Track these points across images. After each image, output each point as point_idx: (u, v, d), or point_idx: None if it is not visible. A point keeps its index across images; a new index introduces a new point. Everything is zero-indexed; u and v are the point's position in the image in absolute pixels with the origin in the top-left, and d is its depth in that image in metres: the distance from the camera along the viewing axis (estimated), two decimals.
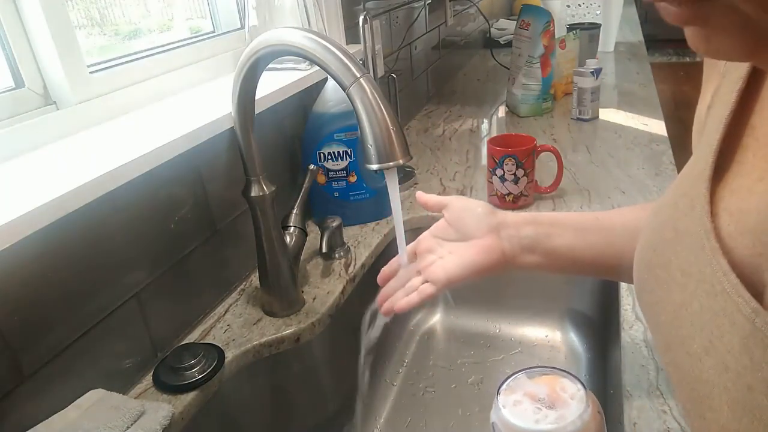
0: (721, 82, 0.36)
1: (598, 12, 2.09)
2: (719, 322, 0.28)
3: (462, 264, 0.59)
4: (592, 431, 0.40)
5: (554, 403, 0.41)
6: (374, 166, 0.57)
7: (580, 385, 0.42)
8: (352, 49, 1.12)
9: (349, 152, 0.97)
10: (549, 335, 1.02)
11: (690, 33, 0.25)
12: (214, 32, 1.02)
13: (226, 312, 0.80)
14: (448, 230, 0.63)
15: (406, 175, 1.17)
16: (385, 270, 0.65)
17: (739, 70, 0.33)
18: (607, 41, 2.10)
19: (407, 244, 0.64)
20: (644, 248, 0.38)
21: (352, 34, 1.16)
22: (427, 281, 0.61)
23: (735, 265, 0.28)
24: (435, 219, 1.03)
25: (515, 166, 0.98)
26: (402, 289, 0.63)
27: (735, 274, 0.27)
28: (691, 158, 0.37)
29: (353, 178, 0.99)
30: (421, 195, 0.66)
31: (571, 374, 0.44)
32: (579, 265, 0.59)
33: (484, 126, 1.52)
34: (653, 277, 0.36)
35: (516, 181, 0.99)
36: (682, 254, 0.32)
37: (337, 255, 0.92)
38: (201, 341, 0.74)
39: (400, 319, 1.07)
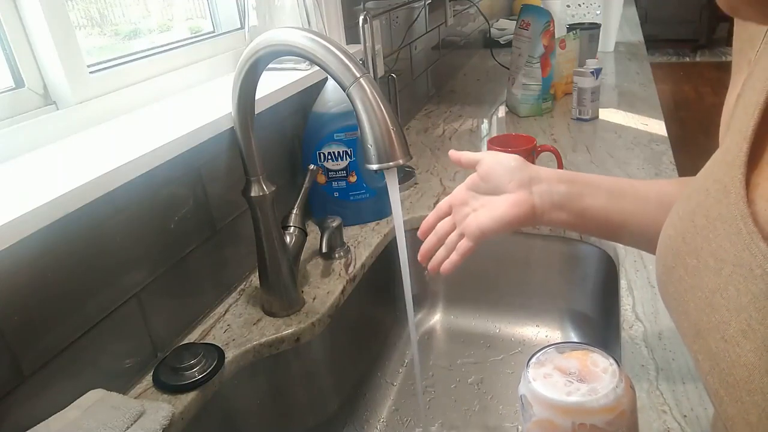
0: (753, 69, 0.36)
1: (598, 12, 2.09)
2: (760, 305, 0.29)
3: (493, 217, 0.60)
4: (624, 405, 0.39)
5: (586, 377, 0.40)
6: (374, 167, 0.57)
7: (612, 360, 0.41)
8: (352, 49, 1.12)
9: (349, 152, 0.97)
10: (549, 335, 1.02)
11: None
12: (214, 32, 1.02)
13: (226, 312, 0.80)
14: (480, 184, 0.64)
15: (406, 175, 1.17)
16: (425, 223, 0.67)
17: None
18: (607, 41, 2.10)
19: (406, 243, 0.64)
20: (671, 236, 0.38)
21: (352, 34, 1.16)
22: (462, 235, 0.63)
23: None
24: None
25: None
26: (443, 246, 0.65)
27: None
28: (720, 147, 0.37)
29: (353, 178, 0.99)
30: (453, 152, 0.68)
31: (601, 351, 0.43)
32: (606, 228, 0.59)
33: (484, 126, 1.52)
34: (682, 265, 0.36)
35: None
36: (715, 240, 0.32)
37: (337, 255, 0.92)
38: (201, 341, 0.74)
39: (400, 319, 1.07)
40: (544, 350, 0.43)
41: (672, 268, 0.37)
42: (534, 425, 0.40)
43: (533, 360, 0.43)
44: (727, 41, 5.61)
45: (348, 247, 0.94)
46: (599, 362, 0.41)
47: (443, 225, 0.66)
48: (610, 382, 0.39)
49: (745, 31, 0.38)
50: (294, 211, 0.83)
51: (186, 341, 0.74)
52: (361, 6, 1.24)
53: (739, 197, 0.31)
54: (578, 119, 1.44)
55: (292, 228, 0.82)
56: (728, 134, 0.36)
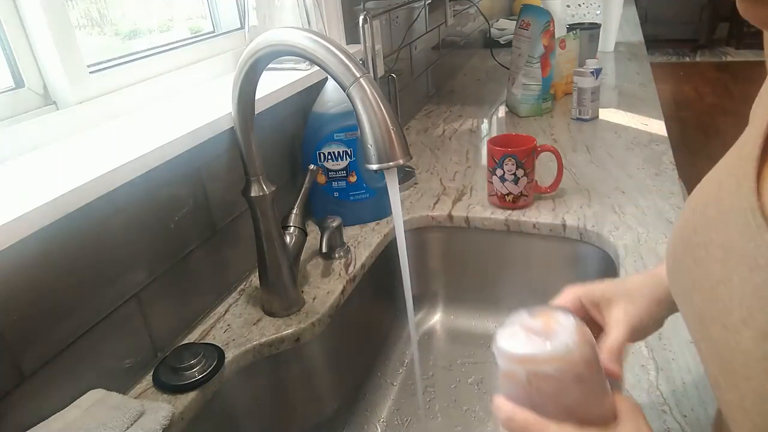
0: None
1: (598, 12, 2.09)
2: (761, 294, 0.29)
3: None
4: (575, 355, 0.40)
5: (547, 333, 0.41)
6: (374, 167, 0.57)
7: (572, 318, 0.42)
8: (352, 49, 1.12)
9: (349, 152, 0.97)
10: None
11: (739, 3, 0.28)
12: (214, 32, 1.02)
13: (226, 312, 0.80)
14: None
15: (406, 175, 1.17)
16: None
17: None
18: (607, 41, 2.10)
19: (406, 243, 0.64)
20: (683, 228, 0.38)
21: (352, 34, 1.16)
22: None
23: None
24: (435, 219, 1.03)
25: (515, 166, 0.98)
26: None
27: None
28: (737, 141, 0.37)
29: (353, 178, 0.99)
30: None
31: (566, 310, 0.44)
32: None
33: (484, 126, 1.52)
34: (691, 256, 0.36)
35: (516, 181, 0.99)
36: (725, 232, 0.33)
37: (337, 255, 0.92)
38: (201, 341, 0.74)
39: (400, 319, 1.07)
40: (517, 313, 0.45)
41: (681, 258, 0.38)
42: (501, 378, 0.43)
43: (506, 322, 0.45)
44: (727, 41, 5.62)
45: (348, 247, 0.94)
46: (561, 320, 0.42)
47: None
48: (563, 335, 0.40)
49: None
50: (294, 211, 0.83)
51: (186, 341, 0.74)
52: (361, 6, 1.24)
53: (750, 189, 0.31)
54: (578, 119, 1.44)
55: (292, 228, 0.82)
56: (746, 129, 0.37)
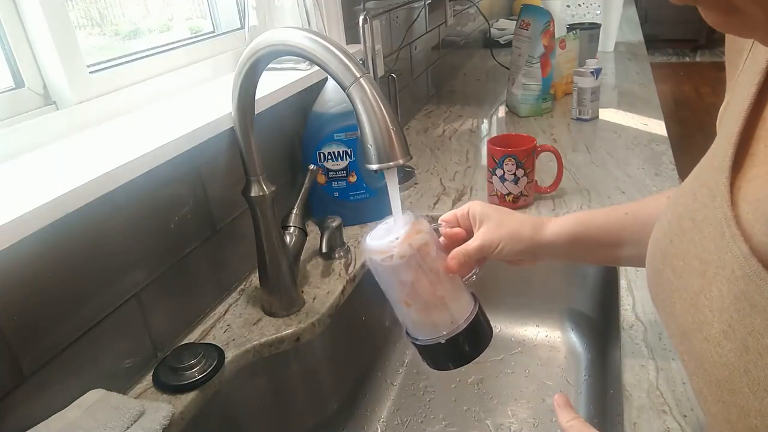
0: (739, 77, 0.37)
1: (598, 12, 2.09)
2: (739, 306, 0.29)
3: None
4: (394, 252, 0.51)
5: (395, 234, 0.52)
6: (374, 166, 0.57)
7: (410, 225, 0.52)
8: (352, 49, 1.12)
9: (349, 152, 0.97)
10: (549, 335, 1.02)
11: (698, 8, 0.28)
12: (214, 32, 1.02)
13: (226, 312, 0.80)
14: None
15: (406, 175, 1.17)
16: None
17: (757, 65, 0.34)
18: (607, 41, 2.10)
19: None
20: (660, 240, 0.39)
21: (352, 34, 1.16)
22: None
23: (753, 250, 0.29)
24: (435, 219, 1.03)
25: (515, 166, 0.98)
26: None
27: (755, 259, 0.28)
28: (708, 152, 0.37)
29: (353, 178, 0.99)
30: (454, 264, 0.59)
31: (419, 219, 0.54)
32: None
33: (484, 126, 1.52)
34: (669, 267, 0.36)
35: (516, 181, 0.99)
36: (701, 243, 0.33)
37: (337, 255, 0.92)
38: (201, 341, 0.74)
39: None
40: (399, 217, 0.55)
41: (660, 270, 0.38)
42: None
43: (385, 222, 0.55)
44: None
45: (348, 247, 0.94)
46: (406, 225, 0.53)
47: None
48: (394, 236, 0.52)
49: (734, 44, 0.39)
50: (294, 211, 0.83)
51: (186, 341, 0.74)
52: (361, 6, 1.24)
53: (724, 200, 0.31)
54: (578, 119, 1.44)
55: (292, 228, 0.82)
56: (716, 140, 0.37)
